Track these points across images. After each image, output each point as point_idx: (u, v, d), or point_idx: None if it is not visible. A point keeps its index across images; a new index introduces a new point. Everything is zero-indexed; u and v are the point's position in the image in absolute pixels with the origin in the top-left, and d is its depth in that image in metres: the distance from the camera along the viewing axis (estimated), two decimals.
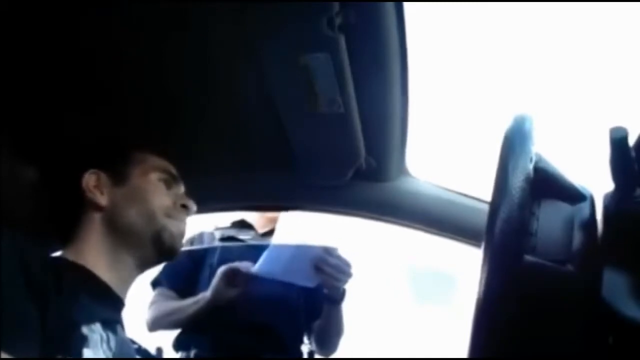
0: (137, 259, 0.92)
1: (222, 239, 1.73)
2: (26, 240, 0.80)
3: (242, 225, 1.80)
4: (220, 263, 1.59)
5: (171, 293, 1.63)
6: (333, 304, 1.60)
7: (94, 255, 0.89)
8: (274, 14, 0.86)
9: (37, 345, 0.71)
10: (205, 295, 1.53)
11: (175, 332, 1.63)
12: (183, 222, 0.96)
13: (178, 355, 1.62)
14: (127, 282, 0.93)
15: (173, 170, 0.99)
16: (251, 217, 1.81)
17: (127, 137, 1.01)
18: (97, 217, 0.92)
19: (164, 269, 1.65)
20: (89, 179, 0.94)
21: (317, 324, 1.65)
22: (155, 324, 1.61)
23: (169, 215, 0.94)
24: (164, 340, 1.64)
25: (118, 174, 0.95)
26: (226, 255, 1.63)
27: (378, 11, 0.88)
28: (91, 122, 1.06)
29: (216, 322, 1.53)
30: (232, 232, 1.76)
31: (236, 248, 1.69)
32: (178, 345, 1.62)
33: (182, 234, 0.95)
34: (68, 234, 0.92)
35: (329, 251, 1.52)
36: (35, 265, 0.77)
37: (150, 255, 0.93)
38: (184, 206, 0.96)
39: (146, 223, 0.92)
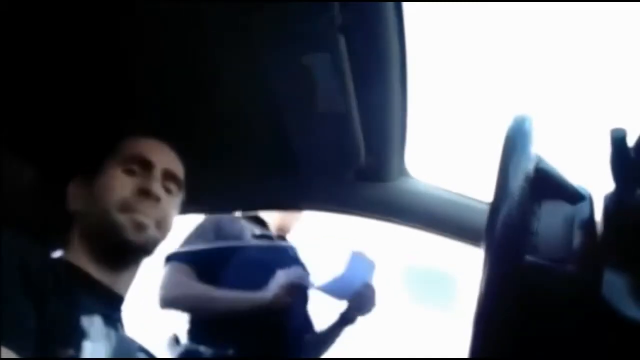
0: (111, 257, 0.89)
1: (256, 237, 1.73)
2: (27, 239, 0.80)
3: (256, 221, 1.79)
4: (257, 262, 1.59)
5: (192, 273, 1.57)
6: (345, 324, 1.66)
7: (82, 256, 0.89)
8: (275, 14, 0.86)
9: (32, 344, 0.70)
10: (265, 297, 1.52)
11: (182, 326, 1.61)
12: (142, 213, 0.89)
13: (200, 347, 1.59)
14: (119, 278, 0.91)
15: (147, 156, 0.93)
16: (267, 216, 1.81)
17: (123, 136, 1.01)
18: (76, 222, 0.93)
19: (187, 242, 1.61)
20: (71, 186, 0.95)
21: (316, 334, 1.68)
22: (182, 304, 1.55)
23: (125, 209, 0.88)
24: (163, 334, 1.62)
25: (92, 175, 0.94)
26: (261, 255, 1.63)
27: (378, 11, 0.88)
28: (89, 123, 1.06)
29: (248, 324, 1.53)
30: (263, 231, 1.76)
31: (267, 248, 1.69)
32: (202, 339, 1.59)
33: (140, 225, 0.88)
34: (65, 236, 0.93)
35: (365, 283, 1.58)
36: (35, 264, 0.77)
37: (116, 252, 0.89)
38: (144, 192, 0.90)
39: (103, 222, 0.88)
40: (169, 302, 1.55)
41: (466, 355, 0.45)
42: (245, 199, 1.48)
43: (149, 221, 0.89)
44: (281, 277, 1.53)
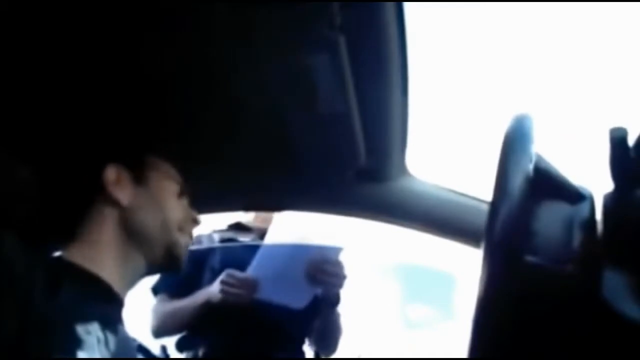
0: (145, 264, 0.91)
1: (222, 241, 1.73)
2: (15, 237, 0.76)
3: (239, 227, 1.80)
4: (221, 265, 1.59)
5: (172, 299, 1.63)
6: (330, 307, 1.61)
7: (102, 252, 0.86)
8: (274, 14, 0.86)
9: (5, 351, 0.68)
10: (207, 292, 1.53)
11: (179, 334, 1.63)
12: (191, 236, 0.97)
13: (183, 355, 1.61)
14: (131, 283, 0.91)
15: (182, 183, 0.99)
16: (246, 219, 1.81)
17: (131, 138, 1.00)
18: (113, 214, 0.89)
19: (164, 275, 1.65)
20: (111, 173, 0.90)
21: (316, 325, 1.65)
22: (160, 330, 1.60)
23: (181, 229, 0.94)
24: (168, 340, 1.64)
25: (138, 173, 0.93)
26: (227, 257, 1.63)
27: (378, 11, 0.88)
28: (90, 121, 1.06)
29: (224, 323, 1.53)
30: (231, 235, 1.76)
31: (236, 249, 1.69)
32: (183, 346, 1.61)
33: (187, 246, 0.96)
34: (72, 230, 0.89)
35: (323, 257, 1.52)
36: (23, 263, 0.73)
37: (158, 264, 0.93)
38: (194, 220, 0.98)
39: (161, 233, 0.91)
40: (155, 333, 1.61)
41: (466, 356, 0.45)
42: (246, 199, 1.48)
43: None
44: (222, 274, 1.53)
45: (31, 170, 1.01)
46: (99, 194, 0.90)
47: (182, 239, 0.94)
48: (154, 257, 0.91)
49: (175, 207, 0.95)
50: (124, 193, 0.90)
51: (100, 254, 0.86)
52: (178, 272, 0.97)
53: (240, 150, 1.24)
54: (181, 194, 0.98)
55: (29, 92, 0.99)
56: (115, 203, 0.89)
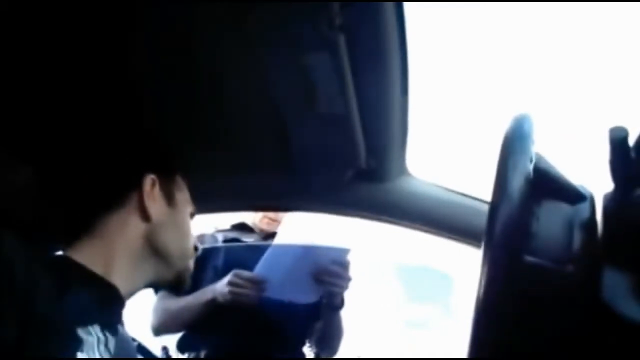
0: (154, 279, 0.92)
1: (226, 241, 1.73)
2: (15, 239, 0.74)
3: (243, 228, 1.79)
4: (225, 265, 1.59)
5: (173, 296, 1.60)
6: (333, 310, 1.61)
7: (115, 257, 0.85)
8: (274, 14, 0.86)
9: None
10: (210, 289, 1.53)
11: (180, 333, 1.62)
12: (192, 261, 0.99)
13: (184, 356, 1.61)
14: (135, 291, 0.91)
15: (193, 206, 1.01)
16: (251, 220, 1.81)
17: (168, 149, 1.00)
18: (137, 225, 0.87)
19: None
20: (148, 184, 0.89)
21: (317, 327, 1.65)
22: (162, 327, 1.60)
23: (190, 257, 0.96)
24: (169, 339, 1.64)
25: (169, 191, 0.93)
26: (230, 257, 1.62)
27: (378, 11, 0.88)
28: (90, 121, 1.06)
29: (225, 322, 1.53)
30: (235, 235, 1.76)
31: (240, 249, 1.68)
32: (185, 346, 1.61)
33: (190, 272, 0.98)
34: (80, 231, 0.87)
35: (330, 259, 1.51)
36: (19, 265, 0.71)
37: (165, 283, 0.95)
38: (195, 248, 0.99)
39: (179, 258, 0.93)
40: (156, 331, 1.61)
41: (466, 356, 0.45)
42: (245, 199, 1.48)
43: None
44: (229, 275, 1.52)
45: (31, 170, 1.01)
46: (126, 201, 0.88)
47: (190, 267, 0.96)
48: (165, 276, 0.92)
49: (190, 234, 0.97)
50: (156, 208, 0.89)
51: (113, 258, 0.85)
52: (178, 294, 0.99)
53: (240, 150, 1.24)
54: (191, 217, 0.99)
55: (40, 92, 0.99)
56: (144, 215, 0.88)
